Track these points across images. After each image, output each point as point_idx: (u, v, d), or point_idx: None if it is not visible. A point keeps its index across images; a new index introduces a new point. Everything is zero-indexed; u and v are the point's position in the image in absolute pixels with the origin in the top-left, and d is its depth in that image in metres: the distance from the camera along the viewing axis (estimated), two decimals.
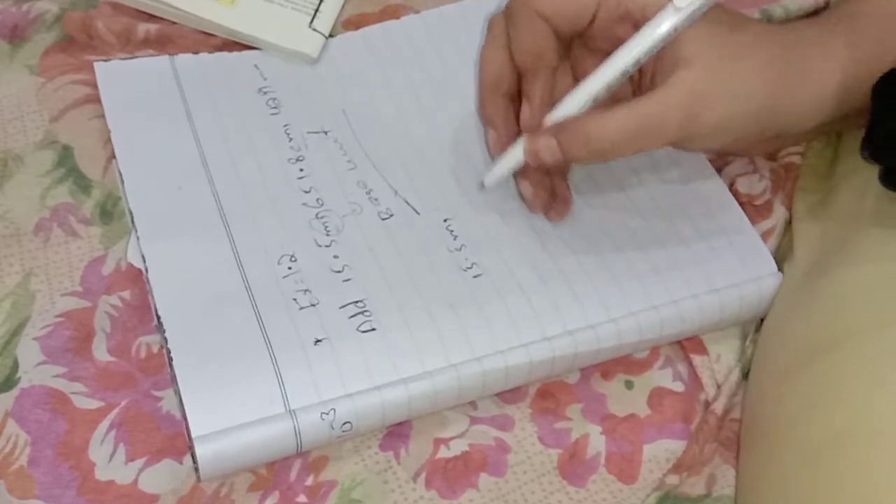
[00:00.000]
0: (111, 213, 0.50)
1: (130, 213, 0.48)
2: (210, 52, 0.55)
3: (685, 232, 0.49)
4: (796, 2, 0.52)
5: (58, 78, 0.53)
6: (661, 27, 0.43)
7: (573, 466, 0.45)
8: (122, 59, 0.54)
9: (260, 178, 0.50)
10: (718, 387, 0.47)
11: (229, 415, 0.42)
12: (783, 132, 0.45)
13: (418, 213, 0.50)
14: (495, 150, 0.48)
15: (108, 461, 0.43)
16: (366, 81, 0.54)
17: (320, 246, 0.48)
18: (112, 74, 0.53)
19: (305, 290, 0.46)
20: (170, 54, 0.54)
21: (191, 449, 0.42)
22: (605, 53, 0.44)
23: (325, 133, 0.52)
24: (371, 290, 0.46)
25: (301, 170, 0.51)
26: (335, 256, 0.48)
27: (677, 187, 0.51)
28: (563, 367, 0.46)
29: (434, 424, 0.45)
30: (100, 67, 0.53)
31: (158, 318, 0.45)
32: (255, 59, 0.55)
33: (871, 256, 0.44)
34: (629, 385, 0.47)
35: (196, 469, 0.42)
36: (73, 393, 0.45)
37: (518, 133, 0.47)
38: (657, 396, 0.47)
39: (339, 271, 0.47)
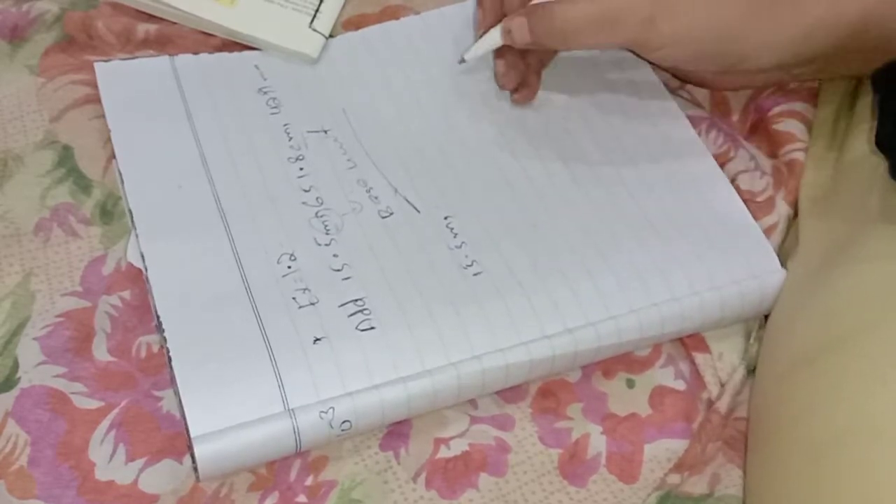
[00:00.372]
0: (111, 213, 0.50)
1: (130, 212, 0.48)
2: (210, 53, 0.55)
3: (686, 228, 0.49)
4: None
5: (58, 78, 0.53)
6: None
7: (573, 466, 0.45)
8: (122, 59, 0.54)
9: (260, 178, 0.50)
10: (722, 385, 0.47)
11: (228, 414, 0.42)
12: (741, 63, 0.46)
13: (418, 211, 0.49)
14: (481, 29, 0.52)
15: (108, 461, 0.43)
16: (366, 82, 0.54)
17: (320, 245, 0.48)
18: (112, 74, 0.53)
19: (305, 289, 0.46)
20: (170, 54, 0.54)
21: (190, 449, 0.42)
22: None
23: (325, 132, 0.52)
24: (370, 288, 0.46)
25: (301, 169, 0.50)
26: (335, 255, 0.47)
27: (679, 184, 0.51)
28: (564, 365, 0.46)
29: (434, 424, 0.45)
30: (100, 67, 0.53)
31: (158, 317, 0.45)
32: (255, 60, 0.55)
33: (877, 253, 0.44)
34: (630, 384, 0.47)
35: (195, 469, 0.42)
36: (73, 393, 0.45)
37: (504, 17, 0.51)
38: (658, 395, 0.47)
39: (338, 270, 0.47)
